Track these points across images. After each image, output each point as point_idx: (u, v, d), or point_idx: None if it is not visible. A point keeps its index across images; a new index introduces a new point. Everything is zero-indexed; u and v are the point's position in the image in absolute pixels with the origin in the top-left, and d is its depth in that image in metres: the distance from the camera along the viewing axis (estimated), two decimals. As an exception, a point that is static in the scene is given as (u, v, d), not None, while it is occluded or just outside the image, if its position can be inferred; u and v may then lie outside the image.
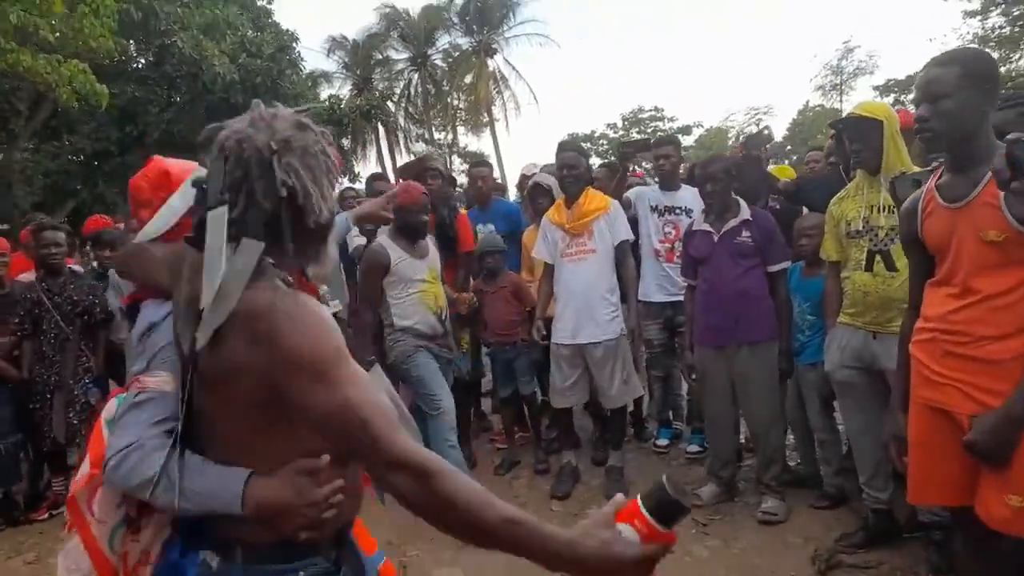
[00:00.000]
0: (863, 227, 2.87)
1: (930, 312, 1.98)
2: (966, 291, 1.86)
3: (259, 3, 16.60)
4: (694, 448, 4.24)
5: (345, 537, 1.28)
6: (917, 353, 2.01)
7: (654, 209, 4.22)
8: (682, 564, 3.01)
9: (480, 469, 4.22)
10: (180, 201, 1.36)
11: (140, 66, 15.08)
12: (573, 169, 3.78)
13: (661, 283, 4.15)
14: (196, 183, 1.16)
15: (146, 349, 1.27)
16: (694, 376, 3.71)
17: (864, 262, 2.85)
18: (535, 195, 4.32)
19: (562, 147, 3.91)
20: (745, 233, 3.38)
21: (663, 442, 4.42)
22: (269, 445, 1.15)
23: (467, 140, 35.30)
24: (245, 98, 13.62)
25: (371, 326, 3.75)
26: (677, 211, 4.16)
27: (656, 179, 4.57)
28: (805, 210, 3.91)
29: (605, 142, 33.67)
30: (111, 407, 1.25)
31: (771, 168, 3.90)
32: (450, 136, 33.99)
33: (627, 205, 4.19)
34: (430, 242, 3.85)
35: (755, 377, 3.39)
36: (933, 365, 1.94)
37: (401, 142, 30.98)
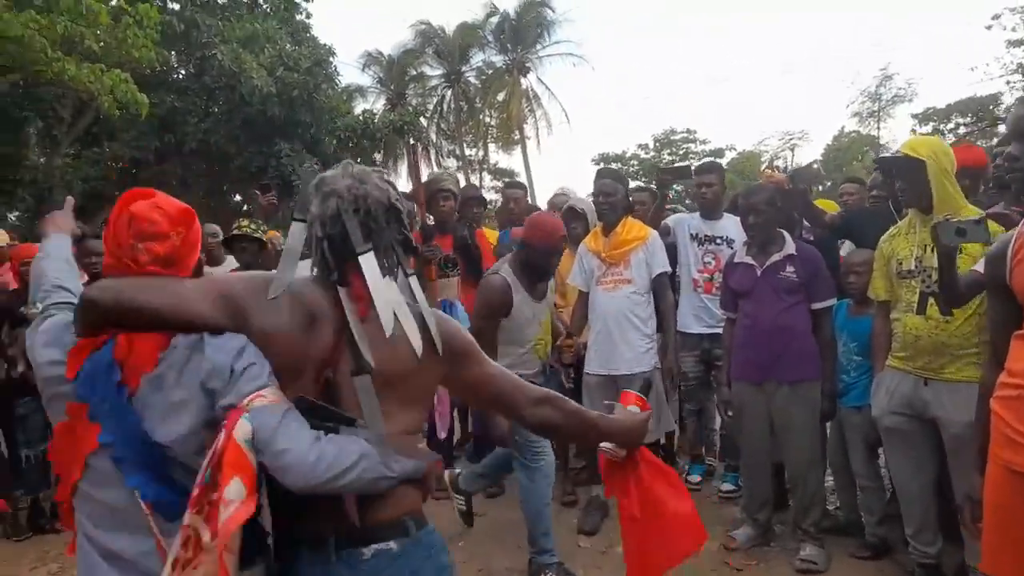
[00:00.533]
0: (915, 267, 2.74)
1: (1018, 367, 1.83)
2: None
3: (297, 17, 16.86)
4: (728, 487, 4.10)
5: None
6: (1000, 410, 1.86)
7: (694, 238, 4.12)
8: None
9: (506, 498, 4.12)
10: (295, 243, 1.42)
11: (180, 77, 15.37)
12: (610, 197, 3.70)
13: (699, 314, 4.04)
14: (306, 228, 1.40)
15: (245, 372, 1.28)
16: (730, 412, 3.59)
17: (916, 304, 2.71)
18: (569, 220, 4.23)
19: (600, 174, 3.85)
20: (789, 268, 3.26)
21: (695, 478, 4.28)
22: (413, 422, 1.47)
23: (498, 157, 35.43)
24: (282, 111, 13.81)
25: None
26: (718, 240, 4.06)
27: (686, 205, 4.49)
28: (848, 244, 3.79)
29: (636, 163, 33.53)
30: (246, 428, 1.22)
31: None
32: (481, 153, 34.16)
33: (665, 232, 4.10)
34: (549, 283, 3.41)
35: (795, 417, 3.26)
36: (1019, 425, 1.80)
37: (432, 157, 31.16)
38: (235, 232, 4.06)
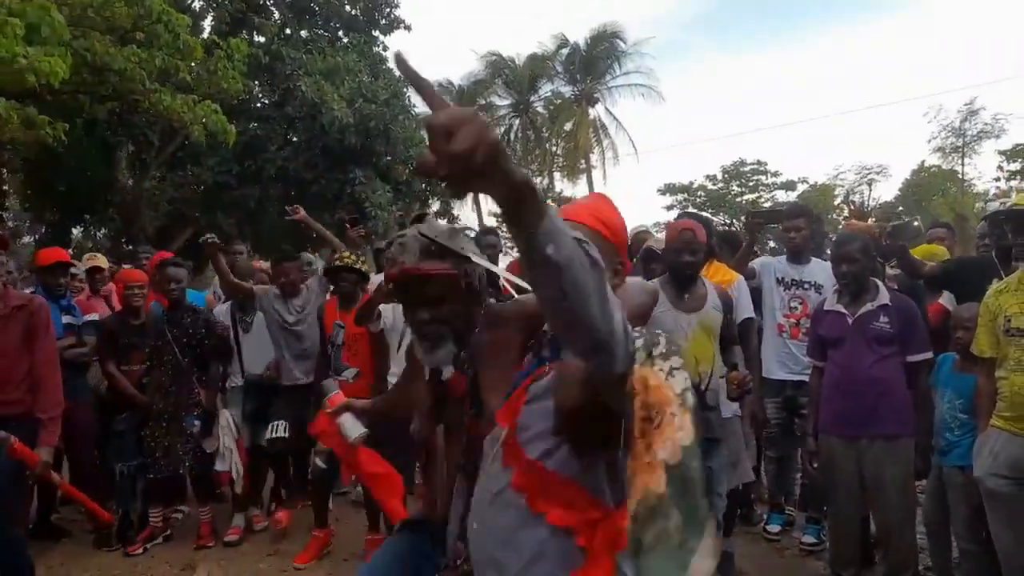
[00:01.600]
0: (1025, 324, 2.64)
1: None
2: None
3: (375, 50, 17.44)
4: (810, 539, 3.97)
5: None
6: None
7: (780, 282, 4.05)
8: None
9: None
10: None
11: (263, 106, 16.06)
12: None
13: (783, 360, 3.96)
14: None
15: None
16: (815, 464, 3.48)
17: (1027, 363, 2.62)
18: (648, 260, 4.22)
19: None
20: (883, 318, 3.17)
21: (774, 528, 4.16)
22: None
23: (563, 186, 35.56)
24: (358, 140, 14.25)
25: None
26: (805, 285, 3.99)
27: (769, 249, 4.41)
28: (946, 294, 3.66)
29: (703, 193, 33.06)
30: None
31: (914, 249, 3.67)
32: (546, 181, 34.33)
33: (751, 275, 4.04)
34: (713, 292, 3.27)
35: (888, 473, 3.14)
36: None
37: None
38: (337, 264, 4.16)
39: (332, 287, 4.46)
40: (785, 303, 4.03)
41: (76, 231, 18.32)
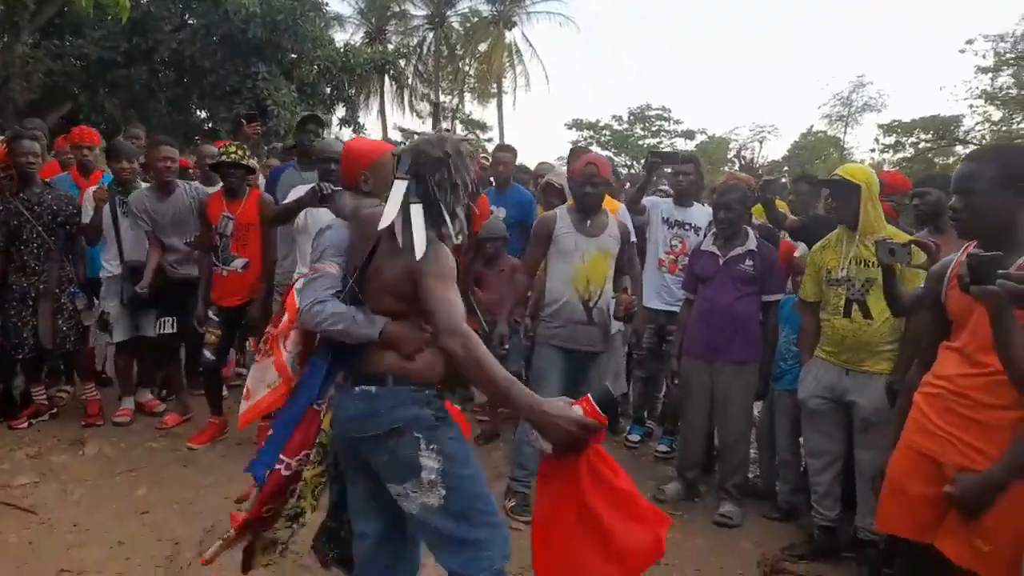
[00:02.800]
0: (841, 276, 3.17)
1: (941, 371, 2.21)
2: (976, 362, 2.07)
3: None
4: (663, 448, 4.55)
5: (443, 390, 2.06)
6: (921, 403, 2.25)
7: (665, 221, 4.47)
8: None
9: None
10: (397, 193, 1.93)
11: (159, -20, 14.84)
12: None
13: (660, 292, 4.42)
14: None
15: (318, 246, 2.10)
16: (676, 381, 3.98)
17: (843, 308, 3.16)
18: (548, 194, 4.52)
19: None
20: (748, 262, 3.65)
21: (635, 438, 4.72)
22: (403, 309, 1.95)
23: (472, 108, 35.14)
24: (264, 32, 13.52)
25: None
26: (687, 227, 4.42)
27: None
28: (802, 245, 4.18)
29: (608, 133, 33.72)
30: (299, 283, 2.12)
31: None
32: (456, 101, 33.81)
33: (641, 211, 4.43)
34: (611, 220, 3.66)
35: (734, 393, 3.68)
36: (934, 417, 2.18)
37: (405, 99, 30.76)
38: (223, 158, 4.08)
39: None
40: (667, 241, 4.46)
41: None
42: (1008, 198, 2.04)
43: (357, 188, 2.33)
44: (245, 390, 2.22)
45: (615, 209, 4.05)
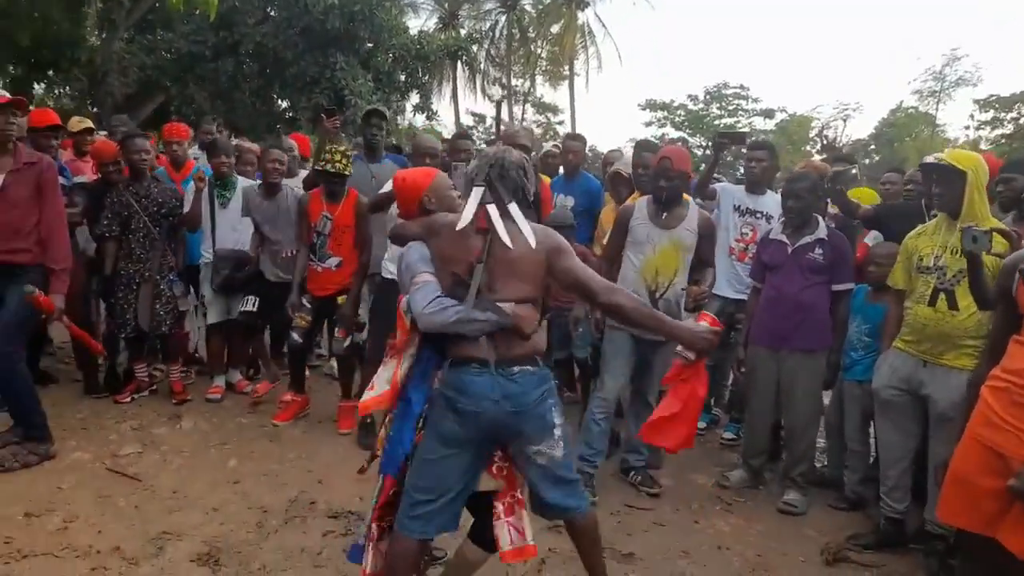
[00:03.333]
0: (933, 265, 3.08)
1: (1009, 365, 2.20)
2: None
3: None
4: (729, 435, 4.56)
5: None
6: (988, 397, 2.24)
7: (736, 208, 4.42)
8: (705, 535, 3.38)
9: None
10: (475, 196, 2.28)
11: (243, -24, 15.44)
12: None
13: (729, 279, 4.38)
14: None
15: (408, 264, 2.30)
16: (743, 370, 3.98)
17: (929, 297, 3.07)
18: (616, 184, 4.53)
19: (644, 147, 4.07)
20: (818, 250, 3.60)
21: (701, 425, 4.73)
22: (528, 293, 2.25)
23: (544, 90, 35.04)
24: (341, 23, 13.91)
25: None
26: (758, 215, 4.35)
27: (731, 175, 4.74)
28: (874, 233, 4.09)
29: (683, 113, 32.99)
30: (403, 303, 2.32)
31: (851, 191, 4.04)
32: (528, 84, 33.80)
33: (712, 196, 4.41)
34: (692, 213, 3.69)
35: (801, 382, 3.66)
36: (999, 411, 2.17)
37: (477, 84, 30.96)
38: (327, 167, 4.21)
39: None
40: (738, 229, 4.42)
41: (38, 87, 17.67)
42: None
43: (420, 211, 2.49)
44: (371, 383, 2.45)
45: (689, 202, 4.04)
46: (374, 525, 2.39)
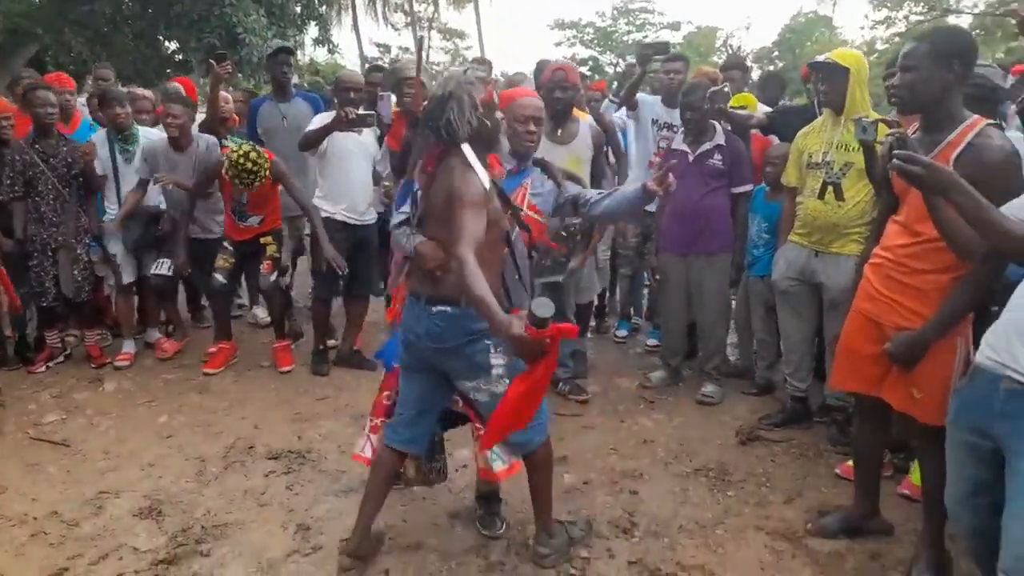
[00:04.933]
0: (822, 160, 3.28)
1: (885, 243, 2.43)
2: (914, 232, 2.28)
3: None
4: (652, 341, 4.80)
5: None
6: (868, 273, 2.48)
7: (654, 122, 4.51)
8: (631, 432, 3.61)
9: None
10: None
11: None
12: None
13: (649, 193, 4.50)
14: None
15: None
16: (657, 277, 4.18)
17: (818, 191, 3.28)
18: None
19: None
20: (717, 156, 3.77)
21: (622, 333, 4.97)
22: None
23: (448, 15, 33.89)
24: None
25: None
26: (675, 128, 4.38)
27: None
28: (773, 138, 4.26)
29: (592, 30, 32.66)
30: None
31: (732, 99, 4.13)
32: (431, 9, 32.61)
33: (634, 106, 4.49)
34: (583, 129, 3.80)
35: (708, 283, 3.90)
36: (876, 284, 2.41)
37: (379, 11, 29.68)
38: (239, 163, 3.99)
39: None
40: (656, 142, 4.50)
41: None
42: (941, 74, 2.17)
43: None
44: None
45: (585, 118, 4.10)
46: (372, 419, 2.65)
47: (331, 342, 4.71)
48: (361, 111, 4.04)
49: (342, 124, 3.94)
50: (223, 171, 4.11)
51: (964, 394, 1.95)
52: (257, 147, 4.13)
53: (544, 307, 1.80)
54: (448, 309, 2.23)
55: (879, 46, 25.14)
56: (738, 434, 3.53)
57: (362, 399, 4.01)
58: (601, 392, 4.12)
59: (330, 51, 16.54)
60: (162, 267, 4.51)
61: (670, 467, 3.26)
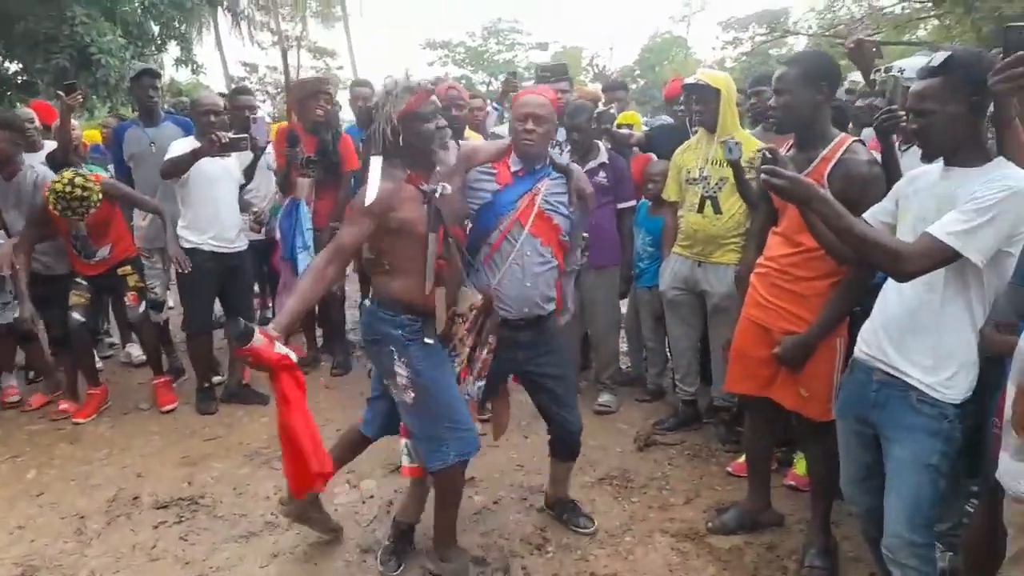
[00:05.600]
0: (699, 176, 3.49)
1: (769, 253, 2.62)
2: (794, 242, 2.47)
3: None
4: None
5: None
6: (754, 282, 2.66)
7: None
8: (535, 447, 3.66)
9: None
10: None
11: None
12: (461, 110, 3.90)
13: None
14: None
15: None
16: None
17: (697, 205, 3.49)
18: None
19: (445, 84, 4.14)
20: (602, 174, 3.92)
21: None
22: None
23: (318, 34, 33.20)
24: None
25: None
26: (561, 145, 4.55)
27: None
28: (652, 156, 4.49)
29: (463, 50, 33.06)
30: None
31: (619, 118, 4.37)
32: (299, 28, 31.82)
33: None
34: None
35: (599, 295, 4.03)
36: (763, 292, 2.59)
37: (244, 31, 28.63)
38: (69, 194, 3.69)
39: None
40: None
41: None
42: (811, 95, 2.38)
43: None
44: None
45: (476, 139, 4.19)
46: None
47: (217, 378, 4.46)
48: (233, 135, 3.89)
49: (214, 149, 3.77)
50: (50, 207, 3.74)
51: (846, 387, 2.15)
52: (80, 171, 3.82)
53: (235, 324, 2.01)
54: (371, 306, 2.42)
55: (728, 64, 27.03)
56: (636, 440, 3.67)
57: (255, 436, 3.84)
58: (503, 409, 4.15)
59: (194, 72, 15.74)
60: (3, 314, 4.13)
61: (575, 478, 3.32)
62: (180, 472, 3.47)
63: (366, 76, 29.08)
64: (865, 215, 2.04)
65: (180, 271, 4.00)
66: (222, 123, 4.16)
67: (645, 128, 4.61)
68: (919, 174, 1.98)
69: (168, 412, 4.16)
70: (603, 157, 3.96)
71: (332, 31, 32.18)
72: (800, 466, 3.13)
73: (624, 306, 4.41)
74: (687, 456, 3.55)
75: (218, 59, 27.98)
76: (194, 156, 3.83)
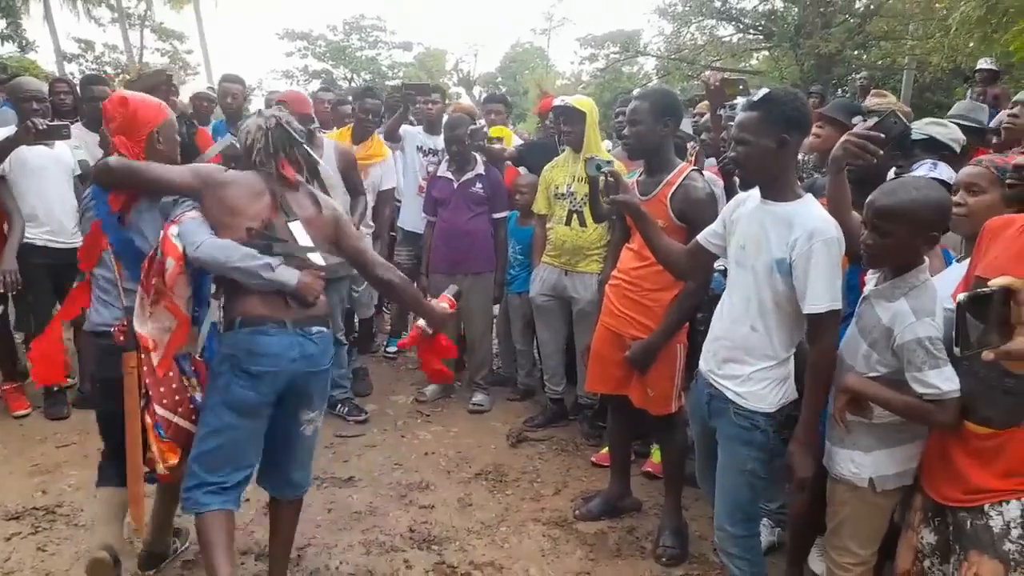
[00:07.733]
0: (566, 191, 3.78)
1: (621, 266, 2.92)
2: (643, 257, 2.76)
3: None
4: (419, 355, 5.02)
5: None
6: (609, 292, 2.95)
7: (419, 149, 4.81)
8: (412, 446, 3.80)
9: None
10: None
11: None
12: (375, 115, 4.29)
13: (420, 215, 4.65)
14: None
15: (177, 205, 2.27)
16: (427, 295, 4.40)
17: (565, 218, 3.78)
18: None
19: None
20: (479, 184, 4.13)
21: (392, 350, 5.13)
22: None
23: (164, 15, 30.90)
24: None
25: None
26: (437, 153, 4.73)
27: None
28: (523, 169, 4.75)
29: (324, 43, 32.10)
30: (173, 229, 2.19)
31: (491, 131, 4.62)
32: (144, 7, 29.51)
33: (398, 139, 4.76)
34: (327, 148, 3.84)
35: (474, 300, 4.22)
36: (616, 302, 2.89)
37: (79, 4, 26.14)
38: None
39: None
40: (423, 168, 4.77)
41: None
42: (658, 128, 2.74)
43: (147, 148, 2.34)
44: (152, 342, 2.21)
45: (386, 155, 4.41)
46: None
47: (67, 380, 4.18)
48: (51, 122, 3.55)
49: (29, 136, 3.41)
50: None
51: (692, 394, 2.46)
52: None
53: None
54: (324, 330, 2.29)
55: (584, 77, 28.32)
56: (508, 437, 3.90)
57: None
58: (379, 410, 4.24)
59: (22, 48, 14.27)
60: None
61: (452, 475, 3.51)
62: (32, 481, 3.26)
63: (216, 62, 27.62)
64: (699, 235, 2.33)
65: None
66: (44, 110, 3.86)
67: (517, 143, 4.86)
68: (744, 198, 2.21)
69: (18, 418, 3.89)
70: (480, 168, 4.16)
71: (181, 13, 29.95)
72: (656, 455, 3.49)
73: (496, 311, 4.63)
74: (555, 450, 3.82)
75: (47, 34, 25.31)
76: (11, 143, 3.51)
